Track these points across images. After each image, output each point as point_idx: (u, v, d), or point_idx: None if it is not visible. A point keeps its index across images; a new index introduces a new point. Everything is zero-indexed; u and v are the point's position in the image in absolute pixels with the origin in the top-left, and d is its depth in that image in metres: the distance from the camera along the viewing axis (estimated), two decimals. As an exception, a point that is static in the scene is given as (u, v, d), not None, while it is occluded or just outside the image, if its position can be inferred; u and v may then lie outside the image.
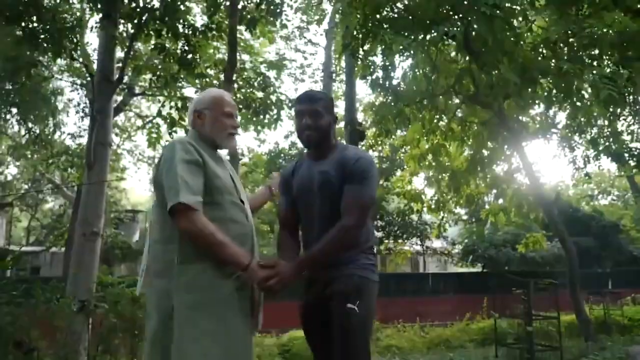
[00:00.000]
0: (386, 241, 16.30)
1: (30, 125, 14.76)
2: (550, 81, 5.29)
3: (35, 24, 5.44)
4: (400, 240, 16.68)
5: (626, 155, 9.63)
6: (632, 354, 3.31)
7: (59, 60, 9.27)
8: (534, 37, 6.34)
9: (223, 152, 2.09)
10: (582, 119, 8.61)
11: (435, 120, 9.49)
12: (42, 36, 5.65)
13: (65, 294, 3.44)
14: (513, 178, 10.73)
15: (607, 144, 9.08)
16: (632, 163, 9.72)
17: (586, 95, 6.84)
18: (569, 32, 5.23)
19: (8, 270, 13.90)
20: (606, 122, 9.13)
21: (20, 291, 2.81)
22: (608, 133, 9.14)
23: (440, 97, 8.49)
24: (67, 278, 5.33)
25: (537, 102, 7.02)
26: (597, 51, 5.16)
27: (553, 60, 5.84)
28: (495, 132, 9.22)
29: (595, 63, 5.31)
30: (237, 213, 1.82)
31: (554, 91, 5.62)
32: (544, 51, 6.37)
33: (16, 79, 6.73)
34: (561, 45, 5.59)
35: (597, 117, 8.93)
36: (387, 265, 17.91)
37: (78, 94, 15.27)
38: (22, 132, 15.65)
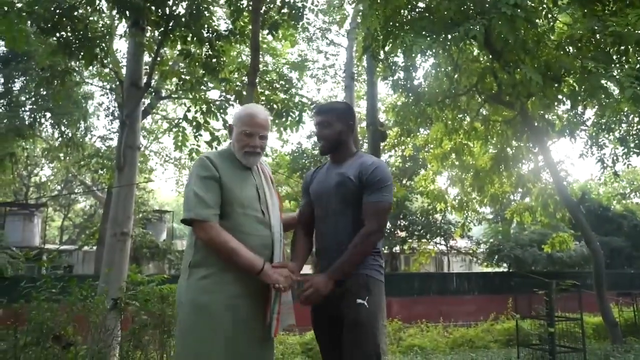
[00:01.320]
0: (409, 241, 16.22)
1: (63, 128, 15.36)
2: (574, 80, 5.20)
3: (69, 34, 5.69)
4: (424, 240, 16.56)
5: (658, 153, 9.32)
6: None
7: (90, 67, 9.65)
8: (558, 35, 6.25)
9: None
10: (611, 117, 8.41)
11: (457, 120, 9.44)
12: (75, 45, 5.91)
13: (98, 292, 3.63)
14: (539, 177, 10.58)
15: (637, 141, 8.84)
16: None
17: (615, 93, 6.72)
18: (594, 29, 5.14)
19: (43, 268, 14.50)
20: (636, 120, 8.90)
21: (57, 289, 3.01)
22: (638, 131, 8.90)
23: (463, 96, 8.45)
24: (100, 276, 5.59)
25: (562, 100, 6.90)
26: (622, 48, 5.04)
27: (579, 58, 5.75)
28: (519, 130, 9.10)
29: (623, 59, 5.20)
30: (249, 224, 1.92)
31: (580, 89, 5.51)
32: (570, 49, 6.29)
33: (51, 86, 7.02)
34: (586, 43, 5.49)
35: (627, 115, 8.73)
36: (411, 264, 17.82)
37: (107, 98, 15.81)
38: (56, 135, 16.30)
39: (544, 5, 5.52)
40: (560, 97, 6.72)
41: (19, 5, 5.55)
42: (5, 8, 5.23)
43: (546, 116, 9.32)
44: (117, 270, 5.74)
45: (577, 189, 19.99)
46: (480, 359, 4.86)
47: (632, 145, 8.97)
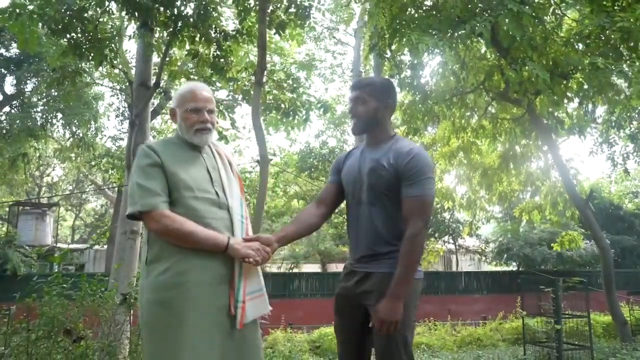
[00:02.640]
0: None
1: (74, 129, 15.59)
2: (582, 76, 5.17)
3: (79, 35, 5.79)
4: (432, 239, 16.53)
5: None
6: None
7: (100, 68, 9.78)
8: (566, 32, 6.21)
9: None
10: (621, 114, 8.34)
11: (465, 118, 9.41)
12: (85, 46, 6.00)
13: (108, 288, 3.71)
14: (548, 175, 10.50)
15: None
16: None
17: (625, 89, 6.66)
18: (603, 25, 5.11)
19: (56, 266, 14.71)
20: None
21: (69, 284, 3.08)
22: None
23: (470, 94, 8.42)
24: (110, 273, 5.69)
25: (571, 97, 6.86)
26: (632, 44, 5.01)
27: (588, 55, 5.71)
28: (527, 128, 9.05)
29: (633, 56, 5.16)
30: (203, 208, 1.77)
31: (588, 86, 5.49)
32: (579, 45, 6.25)
33: (62, 87, 7.14)
34: (595, 39, 5.46)
35: (639, 112, 8.65)
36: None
37: (117, 98, 16.03)
38: (67, 135, 16.54)
39: (552, 1, 5.48)
40: (568, 94, 6.69)
41: (31, 7, 5.63)
42: (18, 10, 5.31)
43: (555, 114, 9.27)
44: (127, 267, 5.83)
45: (587, 187, 19.86)
46: (487, 356, 4.86)
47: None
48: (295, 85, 8.72)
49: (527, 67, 5.29)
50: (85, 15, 5.70)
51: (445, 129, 9.68)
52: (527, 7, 4.97)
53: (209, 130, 1.89)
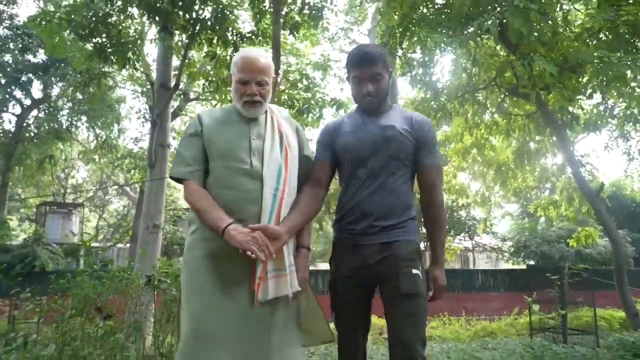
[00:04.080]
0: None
1: (97, 131, 16.16)
2: (591, 70, 5.25)
3: (103, 40, 6.12)
4: (449, 237, 16.54)
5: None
6: None
7: (122, 71, 10.18)
8: (576, 27, 6.28)
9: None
10: (635, 107, 8.30)
11: (478, 114, 9.48)
12: (109, 50, 6.34)
13: (133, 272, 3.98)
14: (563, 170, 10.47)
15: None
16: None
17: (633, 83, 6.67)
18: (610, 19, 5.18)
19: (82, 263, 15.24)
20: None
21: (99, 265, 3.37)
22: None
23: (482, 90, 8.51)
24: (135, 260, 6.01)
25: (582, 92, 6.90)
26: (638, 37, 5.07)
27: (597, 49, 5.77)
28: (541, 125, 9.08)
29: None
30: (230, 177, 1.73)
31: (597, 79, 5.55)
32: (588, 40, 6.31)
33: (88, 89, 7.51)
34: (605, 33, 5.53)
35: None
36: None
37: (139, 101, 16.55)
38: (91, 137, 17.14)
39: (559, -3, 5.57)
40: (579, 89, 6.74)
41: (58, 14, 5.98)
42: (48, 18, 5.66)
43: (570, 109, 9.26)
44: (149, 259, 6.14)
45: (608, 184, 19.57)
46: (494, 343, 4.96)
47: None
48: (309, 84, 8.96)
49: (535, 62, 5.39)
50: (110, 20, 6.02)
51: (458, 126, 9.77)
52: (533, 3, 5.08)
53: (258, 103, 1.81)
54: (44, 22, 5.74)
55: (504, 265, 18.73)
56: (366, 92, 1.88)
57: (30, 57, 14.76)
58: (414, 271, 1.78)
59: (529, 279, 14.43)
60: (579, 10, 6.88)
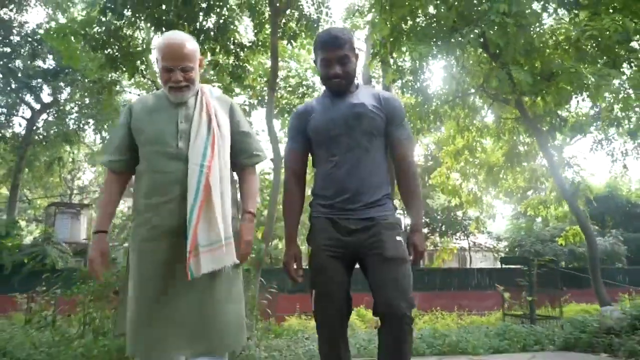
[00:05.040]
0: (431, 237, 16.66)
1: (104, 134, 16.68)
2: (562, 79, 5.71)
3: (115, 50, 6.62)
4: (446, 237, 16.97)
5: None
6: (603, 312, 3.75)
7: (126, 75, 10.71)
8: (551, 38, 6.73)
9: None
10: (620, 112, 8.74)
11: (469, 117, 9.93)
12: (120, 60, 6.83)
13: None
14: (551, 172, 10.89)
15: (646, 135, 9.12)
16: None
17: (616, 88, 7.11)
18: (581, 33, 5.63)
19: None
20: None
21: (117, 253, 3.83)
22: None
23: (471, 96, 8.97)
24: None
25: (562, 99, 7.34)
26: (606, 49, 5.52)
27: (569, 59, 6.22)
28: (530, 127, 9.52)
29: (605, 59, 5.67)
30: (157, 161, 1.76)
31: (569, 87, 6.00)
32: (567, 51, 6.75)
33: (100, 96, 8.02)
34: (575, 45, 5.98)
35: (632, 109, 9.00)
36: (434, 260, 18.22)
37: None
38: (97, 140, 17.68)
39: (534, 11, 6.02)
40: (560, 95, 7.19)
41: (73, 28, 6.48)
42: (64, 32, 6.16)
43: (559, 112, 9.70)
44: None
45: (604, 185, 19.96)
46: (471, 329, 5.39)
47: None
48: (307, 90, 9.45)
49: (512, 71, 5.85)
50: (120, 33, 6.51)
51: (450, 129, 10.21)
52: (510, 17, 5.54)
53: (185, 88, 1.80)
54: (61, 35, 6.22)
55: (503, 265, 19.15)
56: (334, 74, 1.90)
57: (40, 63, 15.32)
58: (398, 238, 1.81)
59: (523, 276, 14.84)
60: (562, 21, 7.33)
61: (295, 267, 1.89)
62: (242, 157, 1.93)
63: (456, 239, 17.20)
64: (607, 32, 4.89)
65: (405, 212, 2.43)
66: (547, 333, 3.71)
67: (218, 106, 1.90)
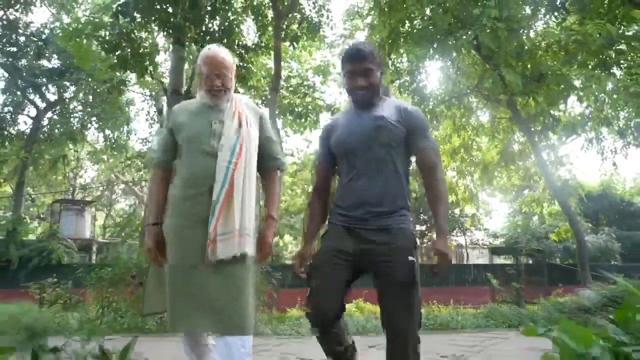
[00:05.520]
0: (429, 234, 16.99)
1: (107, 132, 16.97)
2: (551, 80, 6.03)
3: (126, 52, 6.93)
4: (443, 234, 17.26)
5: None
6: (581, 295, 4.06)
7: (133, 75, 11.00)
8: (542, 42, 7.05)
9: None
10: (608, 111, 9.08)
11: (465, 117, 10.26)
12: (130, 61, 7.15)
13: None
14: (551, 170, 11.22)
15: (634, 134, 9.47)
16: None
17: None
18: (567, 38, 5.96)
19: (94, 257, 16.05)
20: (633, 114, 9.49)
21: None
22: (635, 124, 9.50)
23: (466, 96, 9.30)
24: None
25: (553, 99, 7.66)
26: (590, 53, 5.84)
27: (558, 62, 6.54)
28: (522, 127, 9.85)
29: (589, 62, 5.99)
30: (193, 158, 2.01)
31: (557, 88, 6.33)
32: (557, 54, 7.07)
33: (108, 96, 8.31)
34: (560, 49, 6.31)
35: (622, 109, 9.34)
36: (431, 256, 18.53)
37: (147, 104, 17.33)
38: (100, 139, 17.95)
39: (524, 16, 6.35)
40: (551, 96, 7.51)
41: (86, 31, 6.79)
42: (79, 33, 6.47)
43: (552, 112, 10.04)
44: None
45: (599, 184, 20.32)
46: (462, 312, 5.72)
47: (630, 138, 9.62)
48: (308, 90, 9.78)
49: (504, 73, 6.18)
50: (132, 35, 6.83)
51: (446, 128, 10.55)
52: (500, 22, 5.87)
53: (221, 92, 2.05)
54: (74, 37, 6.53)
55: (497, 261, 19.49)
56: (358, 86, 1.98)
57: (45, 62, 15.60)
58: (410, 258, 1.81)
59: (520, 272, 15.17)
60: (551, 26, 7.65)
61: (299, 263, 1.99)
62: (266, 161, 2.15)
63: (454, 236, 17.53)
64: (592, 37, 5.21)
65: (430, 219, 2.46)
66: (530, 314, 4.03)
67: (249, 113, 2.14)
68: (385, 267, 1.82)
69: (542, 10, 6.27)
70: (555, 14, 6.19)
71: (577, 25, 6.15)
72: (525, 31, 6.50)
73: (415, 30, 7.15)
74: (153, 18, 6.92)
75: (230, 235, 1.89)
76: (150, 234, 2.02)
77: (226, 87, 2.06)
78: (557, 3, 5.93)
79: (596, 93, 7.45)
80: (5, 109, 15.98)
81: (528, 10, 6.33)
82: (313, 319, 1.90)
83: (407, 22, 7.57)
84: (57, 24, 15.33)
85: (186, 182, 1.98)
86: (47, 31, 15.37)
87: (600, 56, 5.76)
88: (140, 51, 7.32)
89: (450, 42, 6.47)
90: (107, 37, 6.54)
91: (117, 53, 6.83)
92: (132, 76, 10.19)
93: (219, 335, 1.87)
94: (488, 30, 5.85)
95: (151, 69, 7.55)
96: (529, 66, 6.89)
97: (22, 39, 15.48)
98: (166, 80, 9.36)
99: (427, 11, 7.66)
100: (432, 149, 1.97)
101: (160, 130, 2.14)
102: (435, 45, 6.87)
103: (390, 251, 1.82)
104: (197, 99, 2.15)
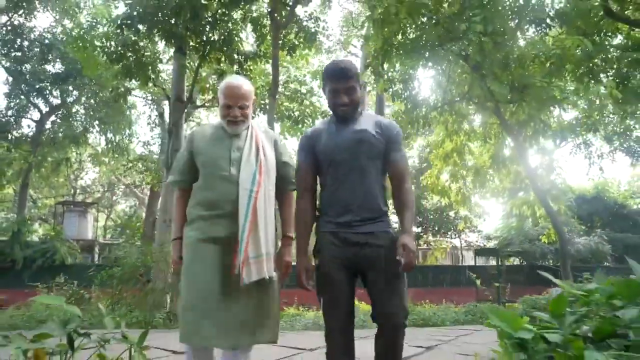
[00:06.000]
0: (424, 236, 17.32)
1: (109, 135, 17.29)
2: (533, 91, 6.38)
3: (131, 62, 7.27)
4: (438, 237, 17.59)
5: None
6: (552, 292, 4.36)
7: (134, 81, 11.37)
8: (525, 54, 7.40)
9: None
10: (597, 117, 9.44)
11: (457, 122, 10.58)
12: (134, 70, 7.49)
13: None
14: (537, 174, 11.55)
15: (620, 140, 9.83)
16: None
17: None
18: (547, 51, 6.30)
19: (97, 257, 16.35)
20: (619, 120, 9.85)
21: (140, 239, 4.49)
22: (621, 130, 9.87)
23: (457, 103, 9.63)
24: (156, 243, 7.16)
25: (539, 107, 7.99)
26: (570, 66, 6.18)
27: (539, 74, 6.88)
28: (513, 132, 10.19)
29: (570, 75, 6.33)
30: (212, 182, 2.11)
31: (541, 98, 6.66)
32: (541, 66, 7.41)
33: (114, 103, 8.62)
34: (542, 62, 6.66)
35: (609, 115, 9.71)
36: (427, 258, 18.88)
37: (149, 108, 17.68)
38: (102, 142, 18.28)
39: (508, 29, 6.69)
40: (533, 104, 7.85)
41: (92, 40, 7.13)
42: (86, 43, 6.81)
43: (542, 117, 10.37)
44: (167, 245, 7.28)
45: (592, 187, 20.67)
46: (445, 309, 6.04)
47: (616, 143, 9.99)
48: (305, 95, 10.11)
49: (488, 83, 6.52)
50: (137, 46, 7.16)
51: (439, 133, 10.88)
52: (485, 36, 6.21)
53: (240, 122, 2.16)
54: (82, 48, 6.87)
55: (492, 262, 19.84)
56: (341, 103, 2.10)
57: (48, 67, 15.94)
58: (398, 257, 1.92)
59: (513, 273, 15.50)
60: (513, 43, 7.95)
61: (305, 278, 2.06)
62: (282, 183, 2.25)
63: (448, 238, 17.86)
64: (569, 51, 5.55)
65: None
66: (507, 311, 4.36)
67: (264, 139, 2.24)
68: (374, 263, 1.99)
69: (525, 25, 6.60)
70: (537, 28, 6.51)
71: (558, 38, 6.52)
72: (512, 43, 6.84)
73: (407, 42, 7.48)
74: (156, 29, 7.25)
75: (260, 258, 2.02)
76: (174, 248, 2.18)
77: (245, 117, 2.18)
78: (540, 18, 6.27)
79: (579, 102, 7.80)
80: (10, 113, 16.34)
81: (512, 24, 6.66)
82: (331, 328, 2.02)
83: (399, 34, 7.90)
84: (60, 29, 15.68)
85: (203, 203, 2.10)
86: (50, 36, 15.71)
87: (589, 65, 6.09)
88: (144, 60, 7.64)
89: (440, 54, 6.80)
90: (112, 48, 6.85)
91: (121, 62, 7.16)
92: (140, 85, 10.51)
93: (234, 349, 2.04)
94: (475, 44, 6.19)
95: (154, 77, 7.86)
96: (508, 77, 7.24)
97: (26, 43, 15.84)
98: (168, 87, 9.72)
99: (419, 23, 8.01)
100: (403, 161, 2.15)
101: (181, 153, 2.36)
102: (427, 55, 7.21)
103: (379, 251, 1.99)
104: (216, 124, 2.27)
